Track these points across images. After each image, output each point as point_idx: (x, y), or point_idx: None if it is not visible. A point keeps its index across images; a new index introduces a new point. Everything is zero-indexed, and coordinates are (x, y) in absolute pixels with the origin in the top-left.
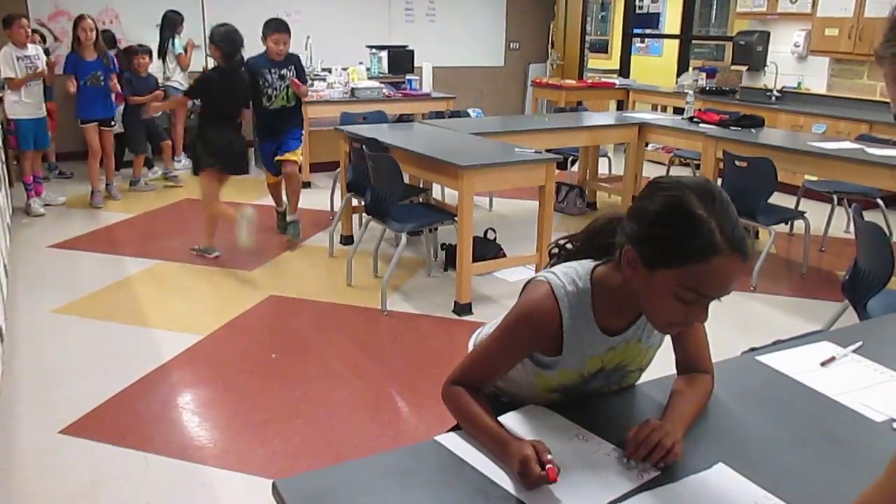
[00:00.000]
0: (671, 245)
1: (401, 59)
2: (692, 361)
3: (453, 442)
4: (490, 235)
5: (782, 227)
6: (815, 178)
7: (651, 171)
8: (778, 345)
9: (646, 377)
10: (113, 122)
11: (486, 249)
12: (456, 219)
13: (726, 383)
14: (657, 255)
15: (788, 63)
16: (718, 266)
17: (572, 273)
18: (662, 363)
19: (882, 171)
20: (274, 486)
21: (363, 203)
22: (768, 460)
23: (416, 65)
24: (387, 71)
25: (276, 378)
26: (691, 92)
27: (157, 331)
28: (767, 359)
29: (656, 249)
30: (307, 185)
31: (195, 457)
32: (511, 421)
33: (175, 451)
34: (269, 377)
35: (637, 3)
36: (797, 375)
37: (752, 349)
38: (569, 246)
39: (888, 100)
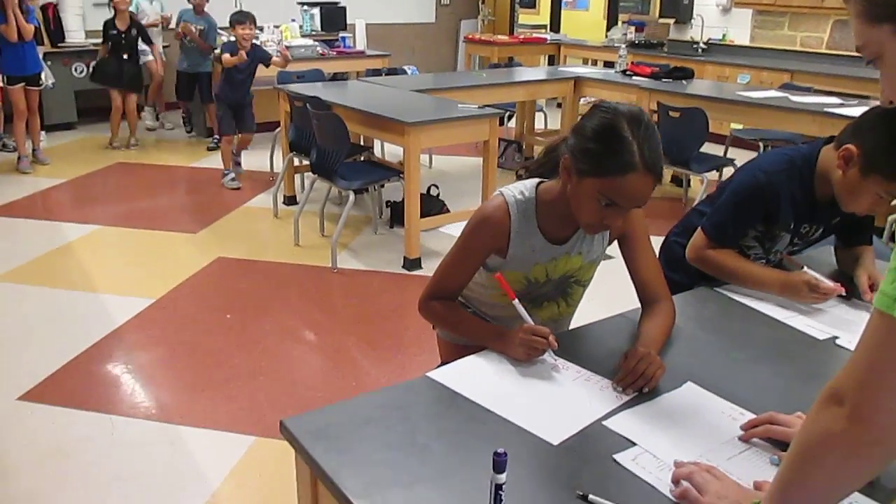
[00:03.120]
0: (599, 158)
1: (333, 16)
2: (647, 287)
3: (444, 376)
4: (433, 192)
5: (713, 175)
6: (741, 127)
7: None
8: None
9: (611, 311)
10: (41, 81)
11: (431, 205)
12: (402, 175)
13: (687, 312)
14: (587, 166)
15: (713, 15)
16: (633, 181)
17: (521, 186)
18: (625, 299)
19: (805, 117)
20: (282, 423)
21: (306, 163)
22: (730, 377)
23: (348, 22)
24: (319, 28)
25: (233, 337)
26: (624, 45)
27: (105, 296)
28: (724, 289)
29: (587, 160)
30: None
31: (162, 416)
32: (489, 353)
33: (140, 412)
34: (227, 337)
35: None
36: (752, 303)
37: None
38: (531, 168)
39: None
